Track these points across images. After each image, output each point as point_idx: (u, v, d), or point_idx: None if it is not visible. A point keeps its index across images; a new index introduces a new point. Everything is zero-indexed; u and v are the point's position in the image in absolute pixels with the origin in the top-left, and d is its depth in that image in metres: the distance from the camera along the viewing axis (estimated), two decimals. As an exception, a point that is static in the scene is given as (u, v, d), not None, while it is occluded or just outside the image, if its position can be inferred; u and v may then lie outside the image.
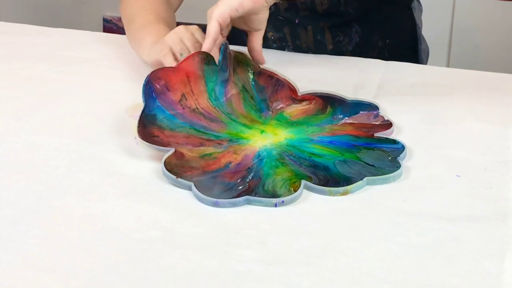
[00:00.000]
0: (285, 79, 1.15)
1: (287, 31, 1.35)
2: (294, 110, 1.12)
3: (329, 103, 1.13)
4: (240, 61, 1.15)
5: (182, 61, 1.09)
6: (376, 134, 1.06)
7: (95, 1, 2.63)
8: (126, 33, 1.29)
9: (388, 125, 1.08)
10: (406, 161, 1.01)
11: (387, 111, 1.12)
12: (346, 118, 1.10)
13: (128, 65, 1.29)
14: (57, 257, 0.82)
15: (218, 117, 1.08)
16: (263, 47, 1.16)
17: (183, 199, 0.93)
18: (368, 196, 0.94)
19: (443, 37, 2.35)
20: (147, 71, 1.27)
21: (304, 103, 1.14)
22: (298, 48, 1.36)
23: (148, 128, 1.03)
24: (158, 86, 1.07)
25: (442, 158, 1.02)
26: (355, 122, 1.10)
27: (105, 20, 2.64)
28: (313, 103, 1.14)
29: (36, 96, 1.18)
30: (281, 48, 1.38)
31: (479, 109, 1.16)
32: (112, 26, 2.63)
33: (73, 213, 0.90)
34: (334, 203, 0.93)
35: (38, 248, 0.84)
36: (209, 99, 1.09)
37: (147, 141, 1.00)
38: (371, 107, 1.12)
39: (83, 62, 1.30)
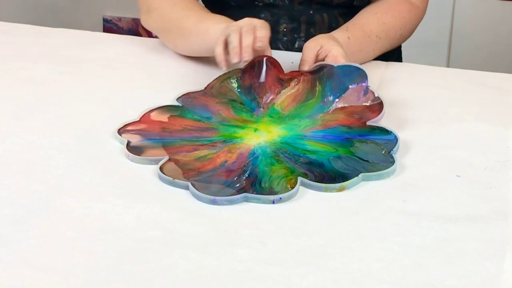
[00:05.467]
0: (266, 58, 1.14)
1: (304, 20, 1.35)
2: (284, 99, 1.12)
3: (318, 77, 1.12)
4: (222, 81, 1.15)
5: (144, 115, 1.08)
6: (368, 122, 1.06)
7: (95, 1, 2.63)
8: (178, 39, 1.28)
9: (379, 104, 1.08)
10: (406, 161, 1.01)
11: (387, 110, 1.12)
12: (336, 100, 1.10)
13: (128, 65, 1.29)
14: (57, 257, 0.82)
15: (209, 126, 1.07)
16: (272, 41, 1.20)
17: (183, 199, 0.93)
18: (368, 196, 0.94)
19: (443, 37, 2.35)
20: (146, 71, 1.27)
21: (293, 83, 1.13)
22: (310, 37, 1.34)
23: (137, 151, 1.01)
24: (132, 133, 1.05)
25: (442, 158, 1.02)
26: (346, 105, 1.09)
27: (105, 20, 2.64)
28: (301, 81, 1.13)
29: (36, 96, 1.18)
30: (292, 40, 1.36)
31: (479, 109, 1.16)
32: (112, 26, 2.63)
33: (73, 213, 0.90)
34: (334, 202, 0.93)
35: (38, 248, 0.84)
36: (194, 120, 1.08)
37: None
38: (359, 74, 1.11)
39: (83, 62, 1.30)
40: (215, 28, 1.19)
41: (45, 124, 1.10)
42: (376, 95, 1.10)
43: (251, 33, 1.12)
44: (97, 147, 1.04)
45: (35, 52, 1.34)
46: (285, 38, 1.36)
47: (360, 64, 1.23)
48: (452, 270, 0.81)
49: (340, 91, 1.11)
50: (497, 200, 0.94)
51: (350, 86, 1.11)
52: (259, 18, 1.34)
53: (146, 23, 1.34)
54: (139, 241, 0.85)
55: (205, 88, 1.16)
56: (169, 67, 1.29)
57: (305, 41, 1.32)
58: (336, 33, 1.24)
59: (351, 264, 0.82)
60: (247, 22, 1.14)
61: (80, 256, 0.82)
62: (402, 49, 1.50)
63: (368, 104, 1.09)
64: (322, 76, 1.13)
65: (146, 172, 0.98)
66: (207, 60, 1.30)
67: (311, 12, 1.34)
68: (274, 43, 1.34)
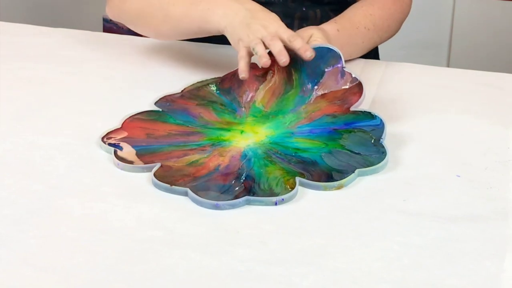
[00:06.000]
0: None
1: (297, 16, 1.35)
2: (264, 95, 1.11)
3: (291, 64, 1.10)
4: (199, 86, 1.15)
5: (125, 122, 1.07)
6: (351, 108, 1.06)
7: (95, 1, 2.63)
8: (163, 25, 1.25)
9: (358, 85, 1.08)
10: (406, 161, 1.01)
11: (387, 110, 1.12)
12: (316, 87, 1.10)
13: (128, 65, 1.29)
14: (57, 257, 0.82)
15: (194, 130, 1.06)
16: None
17: (183, 199, 0.93)
18: (367, 194, 0.94)
19: (443, 37, 2.35)
20: (146, 71, 1.27)
21: (268, 76, 1.12)
22: None
23: (126, 160, 1.00)
24: (117, 141, 1.04)
25: (442, 158, 1.02)
26: (326, 91, 1.09)
27: (105, 20, 2.64)
28: (276, 71, 1.12)
29: (36, 96, 1.18)
30: None
31: (479, 109, 1.16)
32: (112, 26, 2.63)
33: (73, 213, 0.90)
34: (333, 201, 0.93)
35: (38, 248, 0.84)
36: (178, 125, 1.08)
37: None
38: (333, 55, 1.10)
39: (83, 62, 1.30)
40: (216, 17, 1.17)
41: (45, 124, 1.10)
42: (353, 75, 1.09)
43: (277, 39, 1.11)
44: (98, 147, 1.04)
45: (35, 52, 1.34)
46: None
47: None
48: (452, 270, 0.81)
49: (317, 76, 1.10)
50: (497, 200, 0.94)
51: (326, 70, 1.10)
52: None
53: (118, 7, 1.30)
54: (139, 241, 0.85)
55: (182, 91, 1.15)
56: (169, 67, 1.29)
57: None
58: (325, 26, 1.24)
59: (352, 264, 0.82)
60: (269, 33, 1.12)
61: (80, 256, 0.82)
62: (403, 49, 1.51)
63: (347, 86, 1.09)
64: (296, 61, 1.11)
65: (146, 172, 0.98)
66: (207, 60, 1.30)
67: (304, 8, 1.35)
68: None
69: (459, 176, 0.98)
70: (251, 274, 0.80)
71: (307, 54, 1.10)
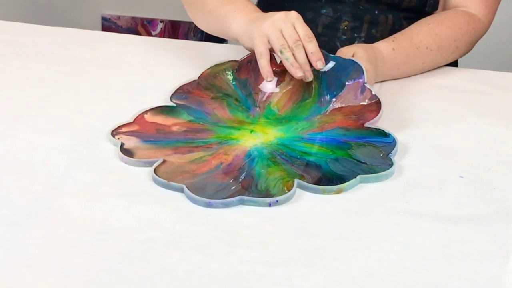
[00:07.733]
0: None
1: (367, 19, 1.31)
2: (280, 98, 1.11)
3: (312, 71, 1.11)
4: (216, 72, 1.15)
5: (137, 116, 1.08)
6: (366, 124, 1.06)
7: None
8: (198, 13, 1.27)
9: (376, 103, 1.08)
10: (407, 162, 1.01)
11: (388, 110, 1.12)
12: (333, 99, 1.09)
13: (127, 64, 1.29)
14: (57, 257, 0.82)
15: (204, 128, 1.06)
16: (330, 39, 1.22)
17: (183, 200, 0.92)
18: (367, 198, 0.94)
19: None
20: (146, 70, 1.27)
21: (287, 78, 1.12)
22: (371, 38, 1.30)
23: (131, 153, 1.00)
24: (126, 135, 1.04)
25: (445, 159, 1.02)
26: (343, 105, 1.09)
27: (103, 19, 2.63)
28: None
29: (36, 96, 1.18)
30: (351, 39, 1.31)
31: (481, 109, 1.16)
32: (111, 25, 2.63)
33: (72, 213, 0.90)
34: (333, 204, 0.92)
35: (38, 248, 0.83)
36: (189, 121, 1.08)
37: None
38: (355, 69, 1.10)
39: (82, 61, 1.30)
40: (235, 23, 1.17)
41: (45, 124, 1.09)
42: (373, 93, 1.09)
43: (301, 47, 1.10)
44: (97, 147, 1.03)
45: (34, 51, 1.34)
46: (344, 37, 1.32)
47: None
48: (454, 271, 0.81)
49: (337, 88, 1.10)
50: (500, 201, 0.93)
51: (346, 83, 1.10)
52: (320, 13, 1.30)
53: None
54: (139, 242, 0.85)
55: (199, 77, 1.15)
56: (168, 66, 1.28)
57: (365, 40, 1.30)
58: (381, 44, 1.21)
59: (352, 265, 0.82)
60: (289, 31, 1.10)
61: (79, 256, 0.82)
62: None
63: (365, 103, 1.09)
64: (317, 72, 1.11)
65: (146, 173, 0.97)
66: (207, 58, 1.29)
67: (376, 12, 1.31)
68: (332, 42, 1.31)
69: (462, 177, 0.98)
70: (251, 275, 0.80)
71: (318, 64, 1.09)
